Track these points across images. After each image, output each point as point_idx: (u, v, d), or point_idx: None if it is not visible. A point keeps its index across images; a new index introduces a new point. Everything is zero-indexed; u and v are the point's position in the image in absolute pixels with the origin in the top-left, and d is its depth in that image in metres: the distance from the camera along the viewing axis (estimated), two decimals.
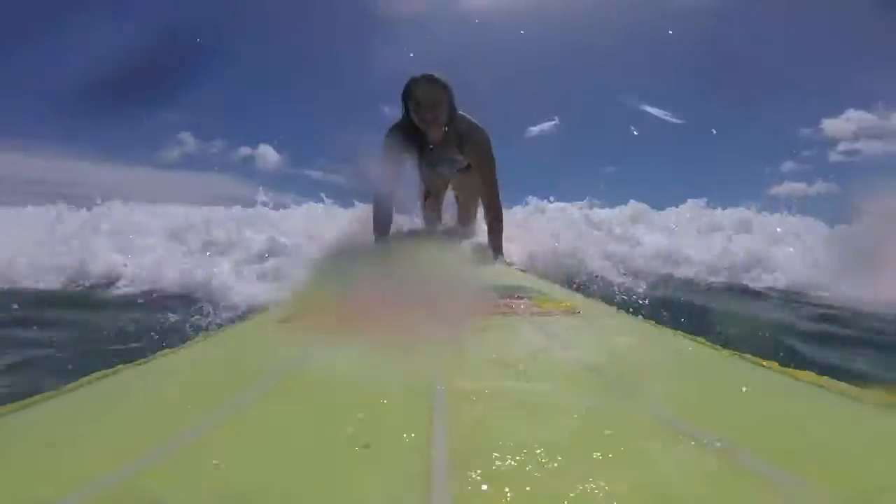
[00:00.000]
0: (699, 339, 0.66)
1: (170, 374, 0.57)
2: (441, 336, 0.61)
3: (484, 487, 0.26)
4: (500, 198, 1.95)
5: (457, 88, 1.78)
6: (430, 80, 1.68)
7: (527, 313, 0.77)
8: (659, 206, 5.57)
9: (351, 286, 0.88)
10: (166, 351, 0.65)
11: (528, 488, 0.26)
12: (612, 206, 5.54)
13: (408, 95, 1.71)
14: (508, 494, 0.25)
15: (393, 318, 0.64)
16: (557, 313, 0.79)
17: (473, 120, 1.86)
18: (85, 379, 0.51)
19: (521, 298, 0.93)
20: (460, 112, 1.82)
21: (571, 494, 0.26)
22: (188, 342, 0.73)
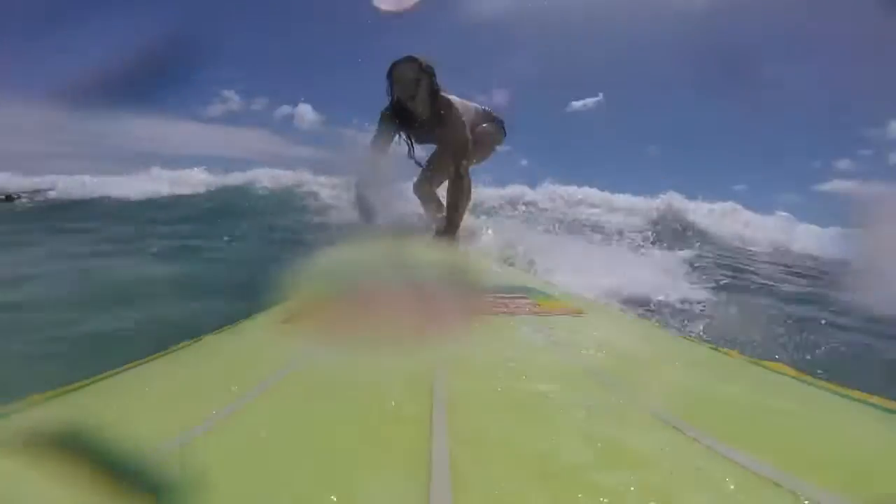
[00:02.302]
0: (699, 339, 0.66)
1: (171, 374, 0.58)
2: (441, 336, 0.61)
3: (483, 486, 0.26)
4: (469, 179, 2.05)
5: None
6: (408, 59, 1.90)
7: (527, 313, 0.77)
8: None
9: (351, 286, 0.88)
10: (167, 350, 0.65)
11: (527, 487, 0.26)
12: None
13: (390, 74, 1.95)
14: (508, 493, 0.25)
15: (393, 318, 0.64)
16: (558, 313, 0.79)
17: (455, 102, 2.02)
18: (86, 381, 0.52)
19: (523, 298, 0.94)
20: (445, 94, 2.00)
21: (571, 493, 0.26)
22: (189, 342, 0.73)
